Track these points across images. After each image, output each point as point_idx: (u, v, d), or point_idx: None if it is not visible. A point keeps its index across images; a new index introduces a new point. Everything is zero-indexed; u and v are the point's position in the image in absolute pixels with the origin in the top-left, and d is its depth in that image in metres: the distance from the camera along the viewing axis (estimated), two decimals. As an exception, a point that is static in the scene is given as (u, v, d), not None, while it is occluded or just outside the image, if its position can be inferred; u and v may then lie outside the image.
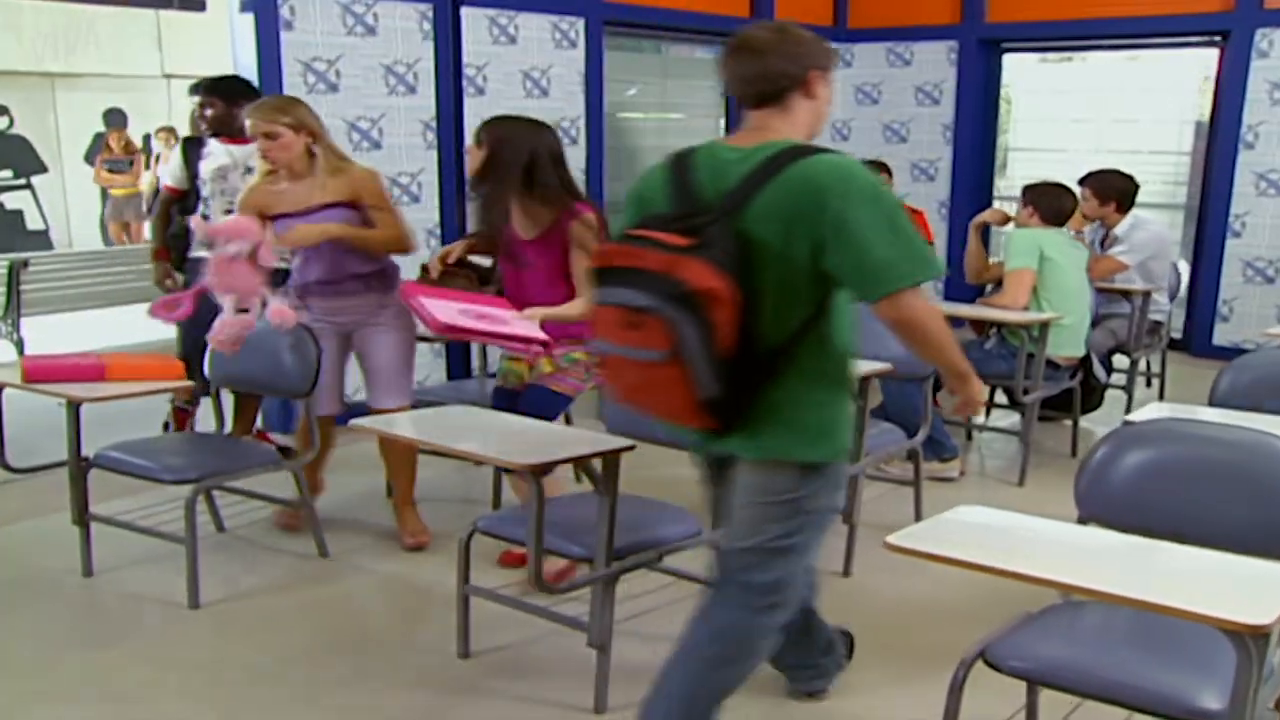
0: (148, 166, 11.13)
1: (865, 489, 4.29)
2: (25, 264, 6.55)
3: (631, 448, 2.78)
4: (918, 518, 4.24)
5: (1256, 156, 6.99)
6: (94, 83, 12.00)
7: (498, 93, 6.09)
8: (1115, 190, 5.44)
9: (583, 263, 3.36)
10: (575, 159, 6.57)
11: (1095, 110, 7.80)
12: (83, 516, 3.72)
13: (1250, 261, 7.09)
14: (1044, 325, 4.59)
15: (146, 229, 11.13)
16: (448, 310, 3.15)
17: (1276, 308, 6.96)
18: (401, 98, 5.67)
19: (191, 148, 4.90)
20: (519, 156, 3.46)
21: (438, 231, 5.91)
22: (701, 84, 7.76)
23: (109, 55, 11.92)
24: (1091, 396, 5.25)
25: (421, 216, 5.72)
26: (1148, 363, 6.07)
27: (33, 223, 11.92)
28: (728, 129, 7.82)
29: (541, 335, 3.16)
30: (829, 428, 2.36)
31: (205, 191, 4.79)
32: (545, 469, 2.65)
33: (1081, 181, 5.47)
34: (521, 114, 3.71)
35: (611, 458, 2.74)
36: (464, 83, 5.91)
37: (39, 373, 3.31)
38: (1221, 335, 7.20)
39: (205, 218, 4.68)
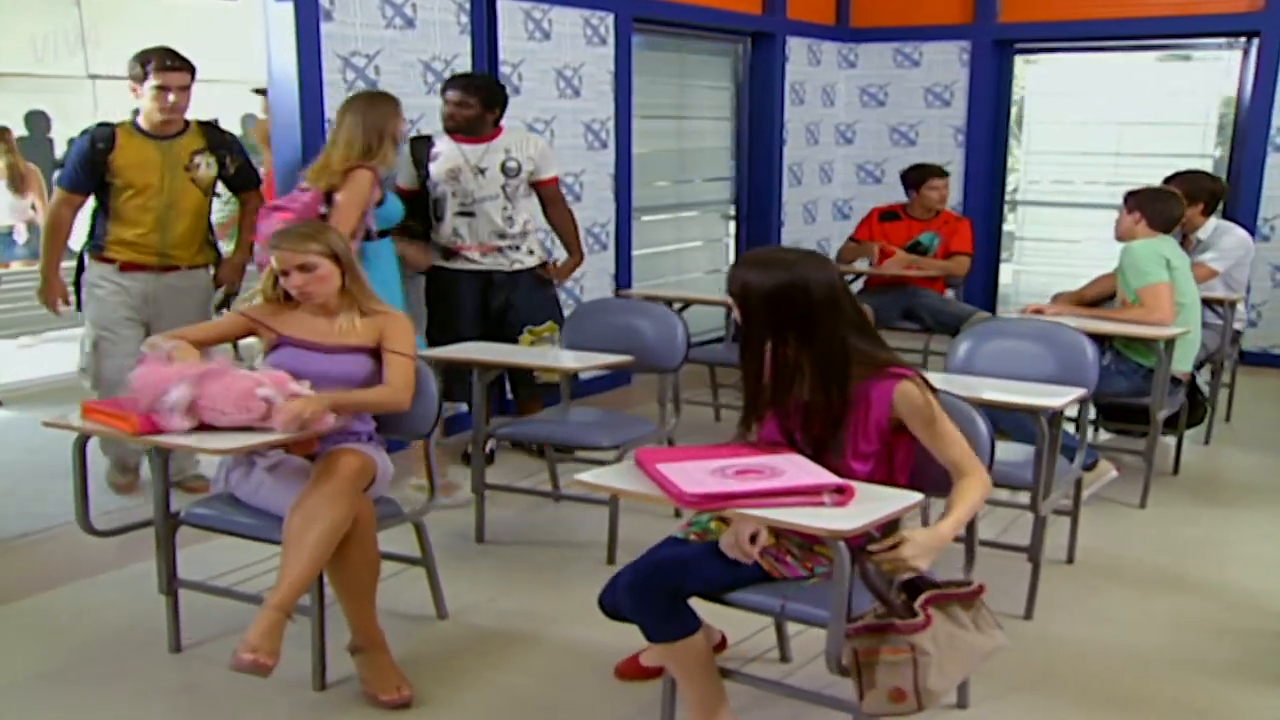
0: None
1: (1016, 520, 3.98)
2: (-3, 281, 5.84)
3: (922, 502, 2.39)
4: (1072, 548, 3.93)
5: (1287, 159, 6.89)
6: (13, 83, 11.08)
7: (532, 92, 5.62)
8: (1205, 192, 5.19)
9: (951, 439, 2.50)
10: (605, 163, 6.14)
11: (1114, 113, 7.61)
12: (171, 584, 3.18)
13: (1280, 265, 7.00)
14: (1170, 340, 4.32)
15: None
16: (696, 476, 2.34)
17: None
18: (439, 98, 5.17)
19: (420, 147, 4.71)
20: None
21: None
22: (712, 85, 7.38)
23: (28, 54, 11.03)
24: (1196, 411, 5.01)
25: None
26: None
27: (-53, 234, 10.95)
28: (738, 131, 7.47)
29: (835, 479, 2.31)
30: None
31: (436, 193, 4.67)
32: (859, 537, 2.24)
33: (1167, 182, 5.22)
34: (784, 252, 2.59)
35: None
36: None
37: (152, 424, 2.76)
38: (1249, 341, 7.04)
39: (439, 219, 4.68)
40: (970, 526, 2.83)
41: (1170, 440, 5.00)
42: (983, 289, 7.81)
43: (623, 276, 6.38)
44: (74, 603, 3.59)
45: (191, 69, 4.14)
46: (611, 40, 6.07)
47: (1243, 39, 7.05)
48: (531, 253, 4.78)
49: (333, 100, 4.70)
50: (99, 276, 4.20)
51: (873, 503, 2.29)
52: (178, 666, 3.18)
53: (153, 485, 3.09)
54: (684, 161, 7.25)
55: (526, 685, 3.08)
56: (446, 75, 5.19)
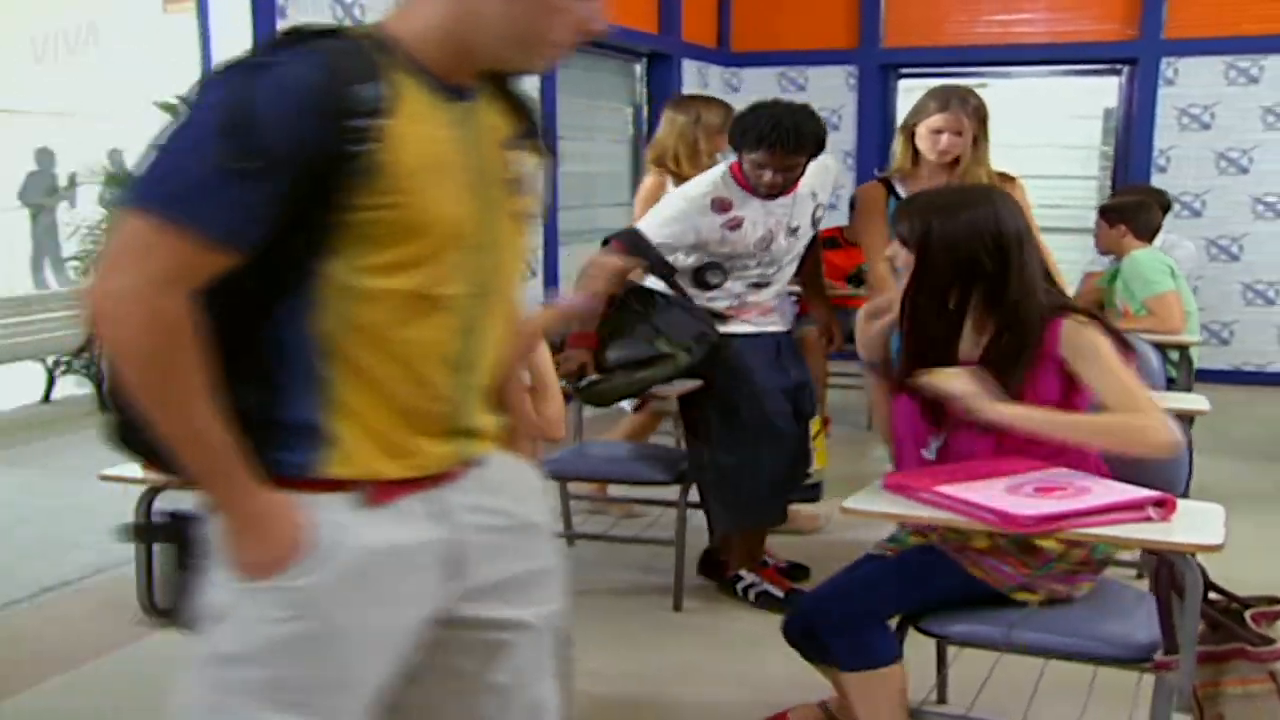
0: None
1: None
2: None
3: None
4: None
5: (1170, 180, 7.15)
6: None
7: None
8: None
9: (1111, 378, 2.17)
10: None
11: (1000, 136, 7.75)
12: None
13: (1166, 282, 7.24)
14: (1185, 349, 4.31)
15: None
16: (998, 498, 2.02)
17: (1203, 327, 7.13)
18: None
19: None
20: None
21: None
22: (613, 107, 7.09)
23: None
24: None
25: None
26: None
27: None
28: (637, 151, 7.19)
29: (1151, 493, 2.05)
30: None
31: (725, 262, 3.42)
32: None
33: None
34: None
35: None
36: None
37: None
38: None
39: (708, 285, 3.42)
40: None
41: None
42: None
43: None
44: (95, 692, 2.93)
45: None
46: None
47: (1120, 66, 7.33)
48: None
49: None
50: None
51: (1199, 514, 2.06)
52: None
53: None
54: (587, 187, 6.91)
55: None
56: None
